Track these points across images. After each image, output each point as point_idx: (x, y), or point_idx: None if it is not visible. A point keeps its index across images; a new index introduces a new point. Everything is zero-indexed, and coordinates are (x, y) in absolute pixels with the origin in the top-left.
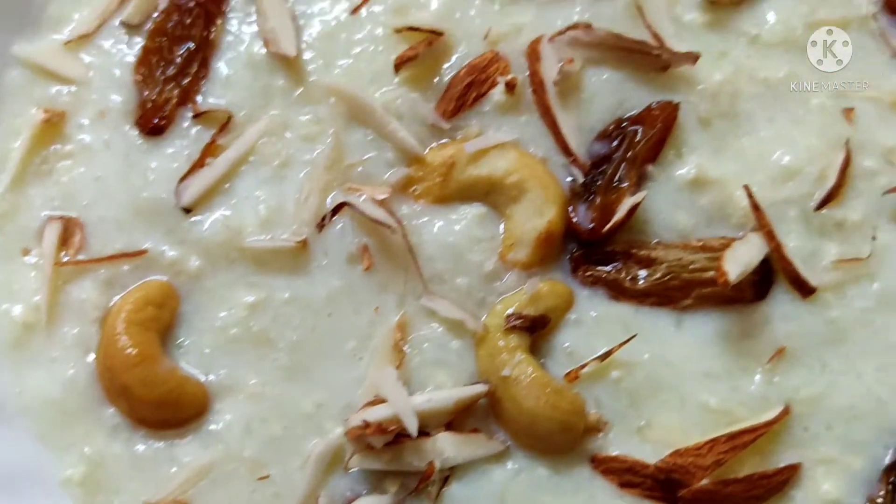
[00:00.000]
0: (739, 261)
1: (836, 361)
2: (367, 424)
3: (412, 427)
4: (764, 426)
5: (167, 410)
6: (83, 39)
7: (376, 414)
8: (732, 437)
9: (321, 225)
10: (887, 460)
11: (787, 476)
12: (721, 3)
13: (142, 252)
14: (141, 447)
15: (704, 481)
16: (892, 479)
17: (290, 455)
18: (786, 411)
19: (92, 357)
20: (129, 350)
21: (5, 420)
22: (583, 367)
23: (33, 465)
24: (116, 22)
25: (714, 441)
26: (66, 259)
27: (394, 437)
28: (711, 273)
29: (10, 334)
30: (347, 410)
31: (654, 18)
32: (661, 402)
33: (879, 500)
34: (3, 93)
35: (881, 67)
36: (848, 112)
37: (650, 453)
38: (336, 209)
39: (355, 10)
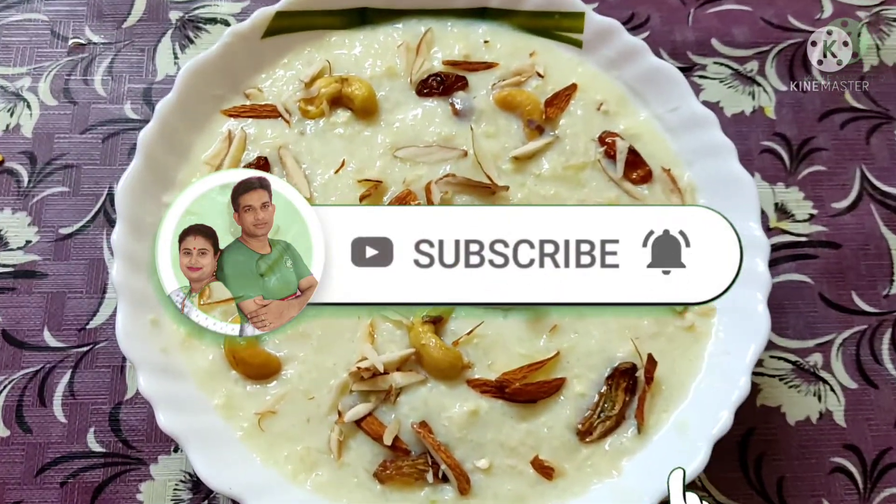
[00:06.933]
0: None
1: (581, 329)
2: (359, 369)
3: (381, 368)
4: (545, 361)
5: (261, 369)
6: None
7: (364, 364)
8: (530, 366)
9: None
10: (606, 374)
11: (559, 383)
12: (521, 159)
13: None
14: (248, 387)
15: (517, 385)
16: (610, 382)
17: (324, 385)
18: (557, 354)
19: (222, 349)
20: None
21: (179, 377)
22: (459, 339)
23: (192, 395)
24: None
25: (521, 368)
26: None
27: (371, 375)
28: None
29: (181, 338)
30: (349, 365)
31: (487, 168)
32: (498, 352)
33: (603, 391)
34: None
35: (603, 187)
36: None
37: (493, 376)
38: None
39: None
